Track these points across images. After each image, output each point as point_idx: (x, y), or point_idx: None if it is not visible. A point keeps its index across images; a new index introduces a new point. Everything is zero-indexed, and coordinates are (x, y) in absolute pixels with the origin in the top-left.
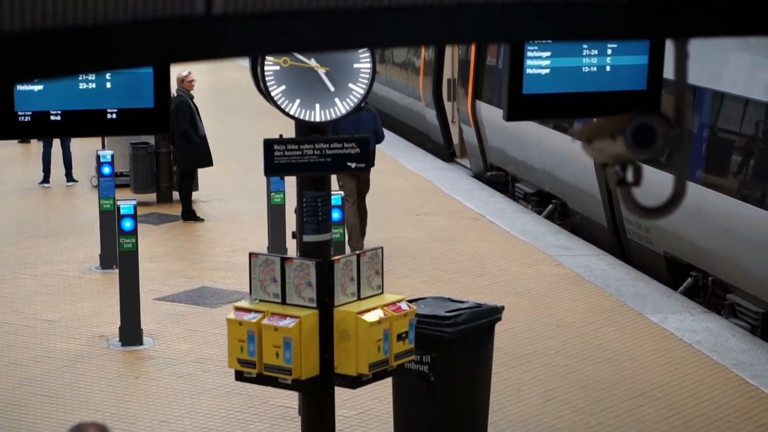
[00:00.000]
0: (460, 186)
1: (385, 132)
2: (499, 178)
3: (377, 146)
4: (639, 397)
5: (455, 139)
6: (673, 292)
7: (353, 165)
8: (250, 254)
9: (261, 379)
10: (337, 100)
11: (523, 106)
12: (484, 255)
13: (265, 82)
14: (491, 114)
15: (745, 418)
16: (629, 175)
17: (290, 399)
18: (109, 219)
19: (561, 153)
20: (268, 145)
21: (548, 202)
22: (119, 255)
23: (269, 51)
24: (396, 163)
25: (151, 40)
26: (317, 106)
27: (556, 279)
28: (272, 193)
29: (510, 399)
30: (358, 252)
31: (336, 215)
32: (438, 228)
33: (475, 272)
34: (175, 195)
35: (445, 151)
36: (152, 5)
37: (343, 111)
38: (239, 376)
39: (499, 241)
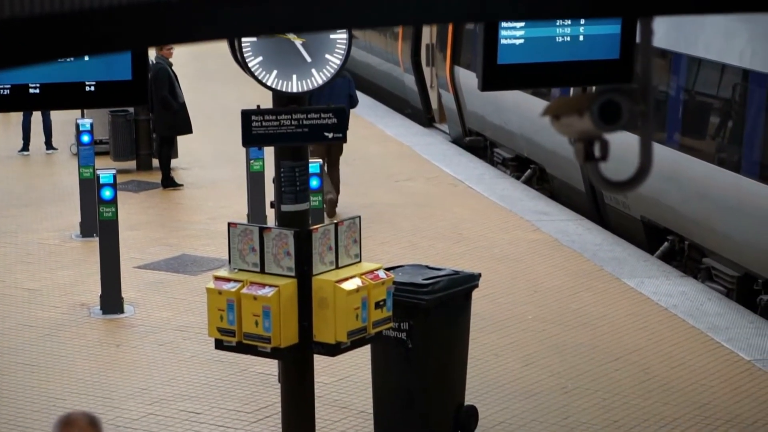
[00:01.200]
0: (438, 151)
1: (364, 97)
2: (477, 143)
3: (352, 110)
4: (615, 361)
5: (434, 105)
6: (650, 257)
7: (330, 135)
8: (229, 224)
9: (241, 348)
10: (313, 70)
11: (498, 76)
12: (463, 220)
13: (242, 54)
14: (470, 79)
15: (720, 382)
16: (597, 150)
17: (270, 366)
18: (89, 187)
19: (539, 118)
20: (246, 115)
21: (526, 167)
22: (99, 224)
23: (246, 34)
24: (375, 128)
25: (130, 25)
26: (294, 76)
27: (533, 244)
28: (251, 161)
29: (488, 364)
30: (335, 221)
31: (314, 183)
32: (416, 194)
33: (453, 238)
34: (155, 162)
35: (423, 116)
36: None
37: (320, 81)
38: (219, 345)
39: (478, 207)
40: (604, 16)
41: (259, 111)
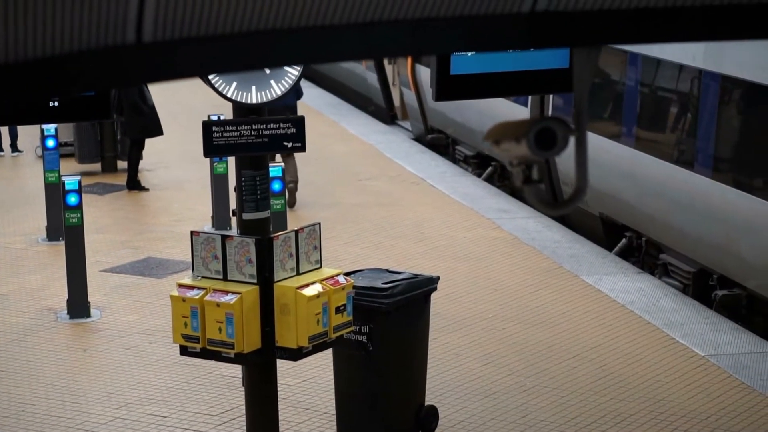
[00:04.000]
0: (401, 149)
1: (328, 95)
2: (439, 140)
3: (316, 109)
4: (573, 359)
5: (396, 102)
6: (608, 254)
7: (290, 144)
8: (192, 233)
9: (205, 354)
10: (272, 81)
11: (451, 86)
12: (425, 220)
13: None
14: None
15: (675, 378)
16: (534, 174)
17: (235, 368)
18: (55, 191)
19: (499, 115)
20: (207, 126)
21: (488, 165)
22: (65, 230)
23: (199, 73)
24: (338, 126)
25: (89, 69)
26: (253, 88)
27: (494, 242)
28: (215, 163)
29: (449, 364)
30: (296, 229)
31: (276, 186)
32: (380, 193)
33: (415, 237)
34: (121, 164)
35: (386, 113)
36: (87, 37)
37: (279, 92)
38: (184, 351)
39: (440, 205)
40: (542, 47)
41: (219, 122)
